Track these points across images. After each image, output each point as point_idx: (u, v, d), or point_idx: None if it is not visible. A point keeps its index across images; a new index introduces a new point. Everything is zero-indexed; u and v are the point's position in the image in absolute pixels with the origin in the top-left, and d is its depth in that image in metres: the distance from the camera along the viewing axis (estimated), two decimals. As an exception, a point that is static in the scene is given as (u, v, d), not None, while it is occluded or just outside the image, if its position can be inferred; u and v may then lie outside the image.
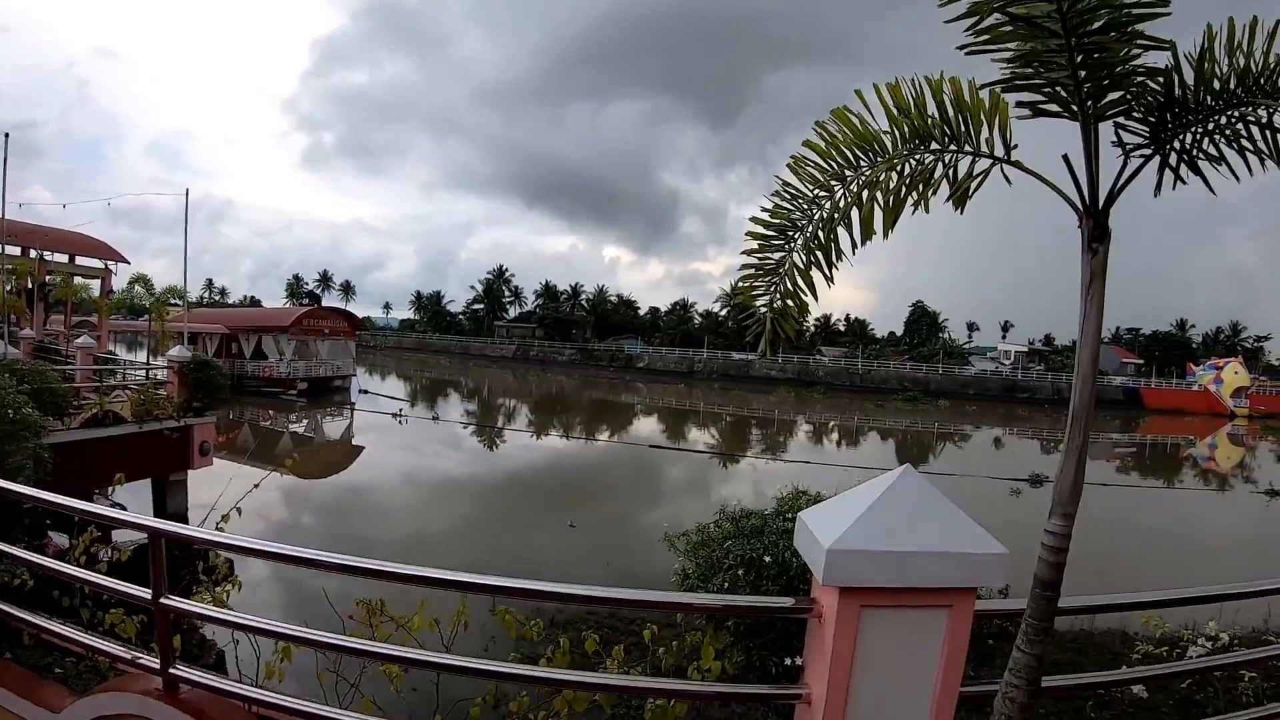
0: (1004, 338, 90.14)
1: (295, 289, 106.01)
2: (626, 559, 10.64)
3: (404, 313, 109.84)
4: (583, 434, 28.71)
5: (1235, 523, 17.76)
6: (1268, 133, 1.94)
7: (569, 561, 10.76)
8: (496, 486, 18.32)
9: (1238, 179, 1.97)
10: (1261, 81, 1.86)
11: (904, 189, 2.11)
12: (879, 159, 2.16)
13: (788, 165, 2.37)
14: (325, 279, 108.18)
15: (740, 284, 2.40)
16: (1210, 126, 1.98)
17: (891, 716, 2.00)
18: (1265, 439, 43.43)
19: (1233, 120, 1.97)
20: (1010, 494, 17.63)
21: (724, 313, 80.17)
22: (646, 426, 33.07)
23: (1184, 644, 3.66)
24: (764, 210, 2.35)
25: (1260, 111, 1.88)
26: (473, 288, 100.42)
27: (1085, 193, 1.87)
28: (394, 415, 28.67)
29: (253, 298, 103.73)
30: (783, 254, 2.28)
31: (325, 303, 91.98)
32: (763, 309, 2.33)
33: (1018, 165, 2.06)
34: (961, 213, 2.01)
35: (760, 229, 2.34)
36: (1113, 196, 1.89)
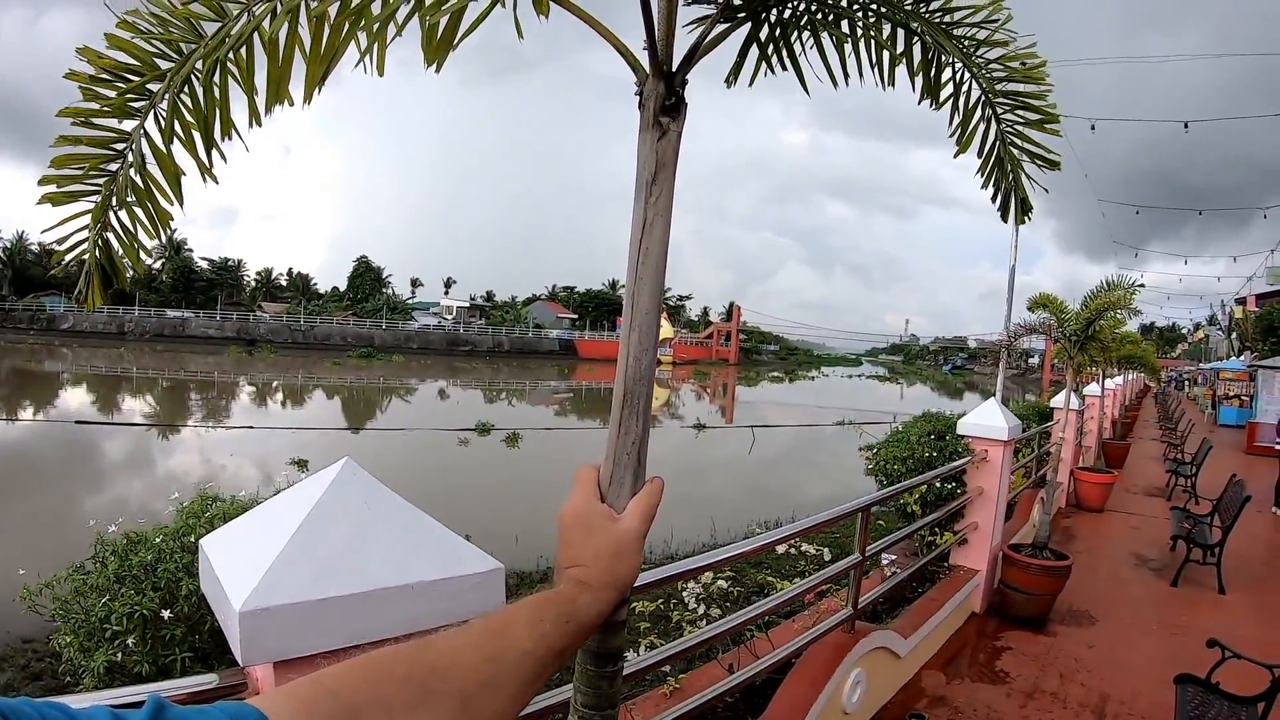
0: (447, 293, 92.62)
1: None
2: (55, 567, 7.83)
3: None
4: (2, 413, 23.74)
5: (672, 452, 21.94)
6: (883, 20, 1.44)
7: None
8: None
9: (835, 84, 1.56)
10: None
11: (349, 20, 1.06)
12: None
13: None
14: None
15: (51, 171, 1.20)
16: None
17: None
18: (689, 381, 55.63)
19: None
20: (459, 443, 18.32)
21: (159, 264, 71.82)
22: (76, 398, 29.30)
23: (681, 590, 3.76)
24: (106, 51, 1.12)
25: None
26: None
27: (660, 44, 1.04)
28: None
29: None
30: (134, 120, 1.18)
31: None
32: (87, 225, 1.21)
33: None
34: (438, 70, 1.10)
35: (95, 75, 1.12)
36: (694, 55, 1.12)
